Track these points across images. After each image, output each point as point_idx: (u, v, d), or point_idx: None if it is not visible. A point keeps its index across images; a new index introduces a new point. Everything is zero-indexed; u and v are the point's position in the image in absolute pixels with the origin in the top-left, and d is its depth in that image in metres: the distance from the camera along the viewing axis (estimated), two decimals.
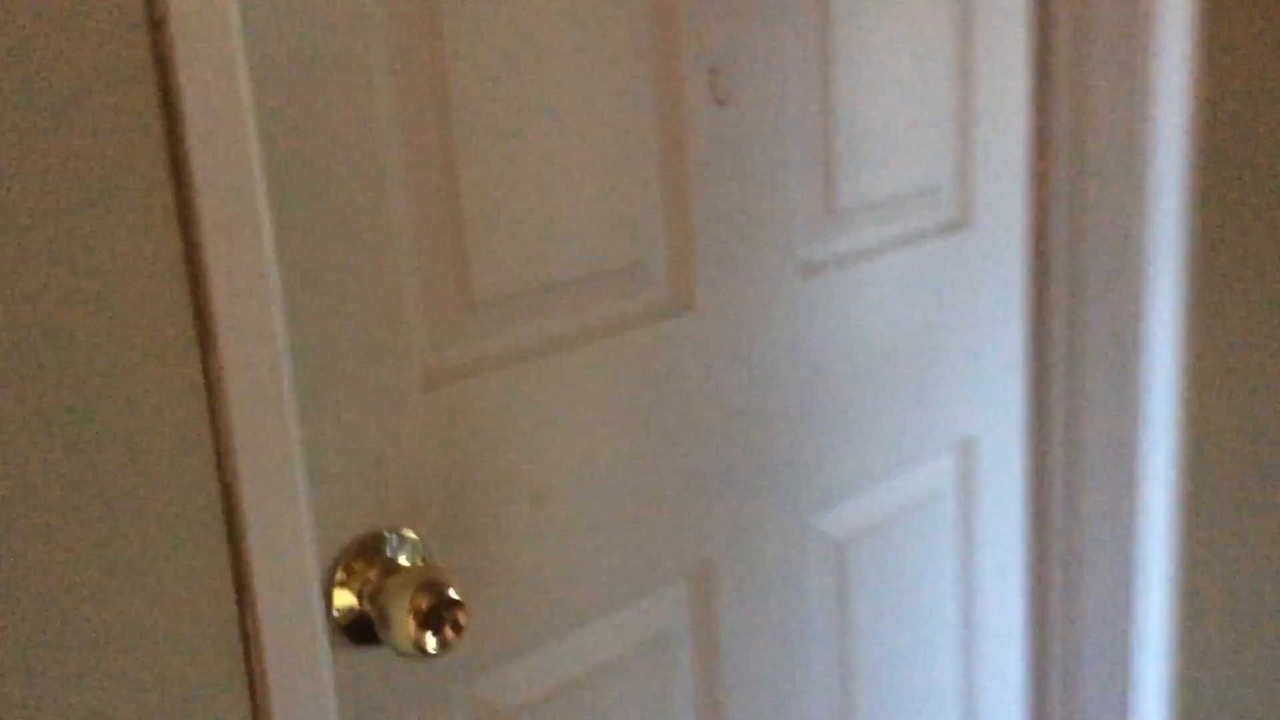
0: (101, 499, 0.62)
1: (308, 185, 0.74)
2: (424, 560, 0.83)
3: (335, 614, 0.79)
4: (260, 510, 0.64)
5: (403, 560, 0.81)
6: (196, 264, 0.60)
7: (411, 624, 0.76)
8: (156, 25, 0.59)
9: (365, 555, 0.80)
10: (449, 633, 0.76)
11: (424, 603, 0.76)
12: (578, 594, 0.94)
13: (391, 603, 0.76)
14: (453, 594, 0.77)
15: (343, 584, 0.79)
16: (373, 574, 0.80)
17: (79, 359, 0.60)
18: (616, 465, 0.94)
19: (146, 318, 0.60)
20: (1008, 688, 1.41)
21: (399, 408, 0.81)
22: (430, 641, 0.76)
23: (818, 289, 1.08)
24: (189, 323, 0.61)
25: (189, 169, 0.58)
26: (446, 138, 0.81)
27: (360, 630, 0.80)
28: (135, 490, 0.63)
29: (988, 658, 1.36)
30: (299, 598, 0.68)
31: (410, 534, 0.82)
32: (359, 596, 0.80)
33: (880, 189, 1.13)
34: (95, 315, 0.59)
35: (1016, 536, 1.38)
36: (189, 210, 0.59)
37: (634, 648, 0.99)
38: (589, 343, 0.91)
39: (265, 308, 0.62)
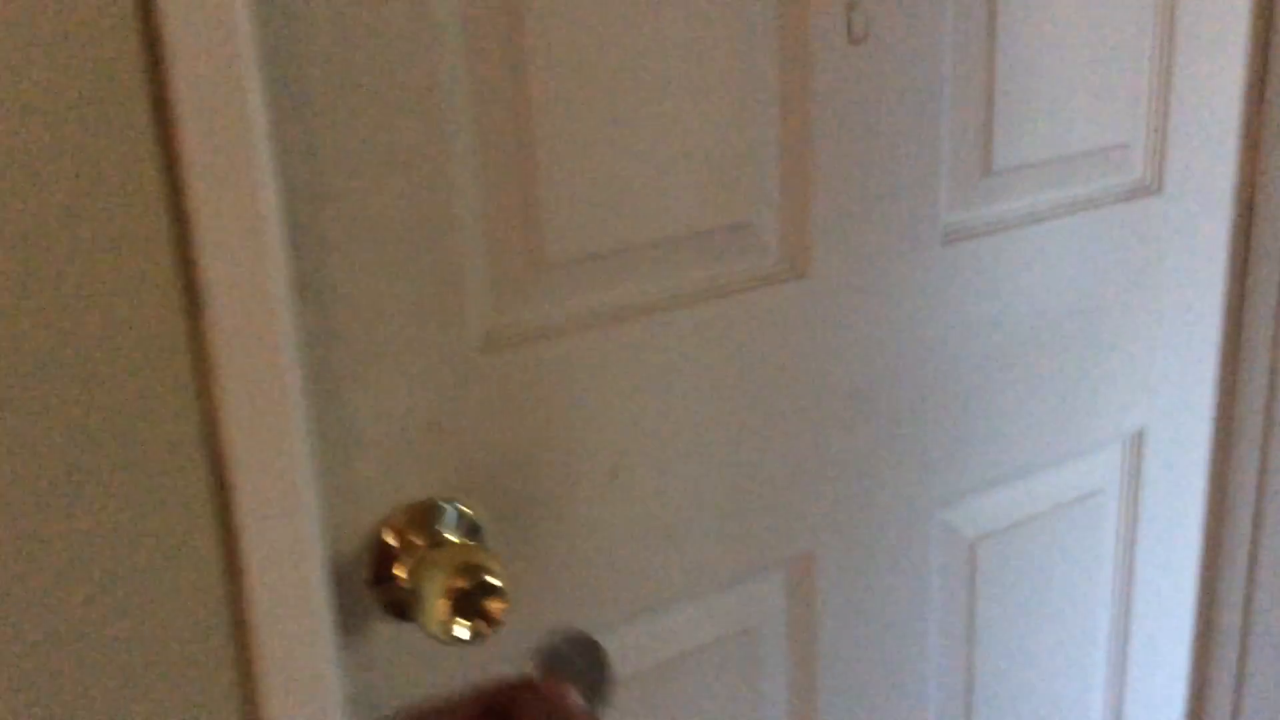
0: (78, 468, 0.58)
1: (358, 129, 0.68)
2: (473, 538, 0.77)
3: (377, 587, 0.75)
4: (255, 489, 0.59)
5: (451, 536, 0.76)
6: (182, 212, 0.54)
7: (444, 607, 0.70)
8: None
9: (415, 526, 0.75)
10: (483, 622, 0.70)
11: (459, 585, 0.70)
12: (653, 579, 0.86)
13: (426, 581, 0.71)
14: (493, 580, 0.71)
15: (388, 554, 0.74)
16: (419, 546, 0.75)
17: (47, 321, 0.55)
18: (707, 443, 0.86)
19: (128, 275, 0.55)
20: (1164, 716, 1.26)
21: (456, 371, 0.74)
22: (461, 629, 0.70)
23: (964, 257, 0.95)
24: (175, 280, 0.56)
25: (174, 110, 0.53)
26: (519, 74, 0.73)
27: (406, 604, 0.75)
28: (114, 463, 0.59)
29: (1143, 678, 1.21)
30: (298, 577, 0.63)
31: (465, 508, 0.76)
32: (402, 570, 0.75)
33: (1052, 146, 0.98)
34: (69, 269, 0.55)
35: (1190, 545, 1.21)
36: (172, 152, 0.54)
37: (716, 641, 0.91)
38: (680, 309, 0.82)
39: (261, 266, 0.56)
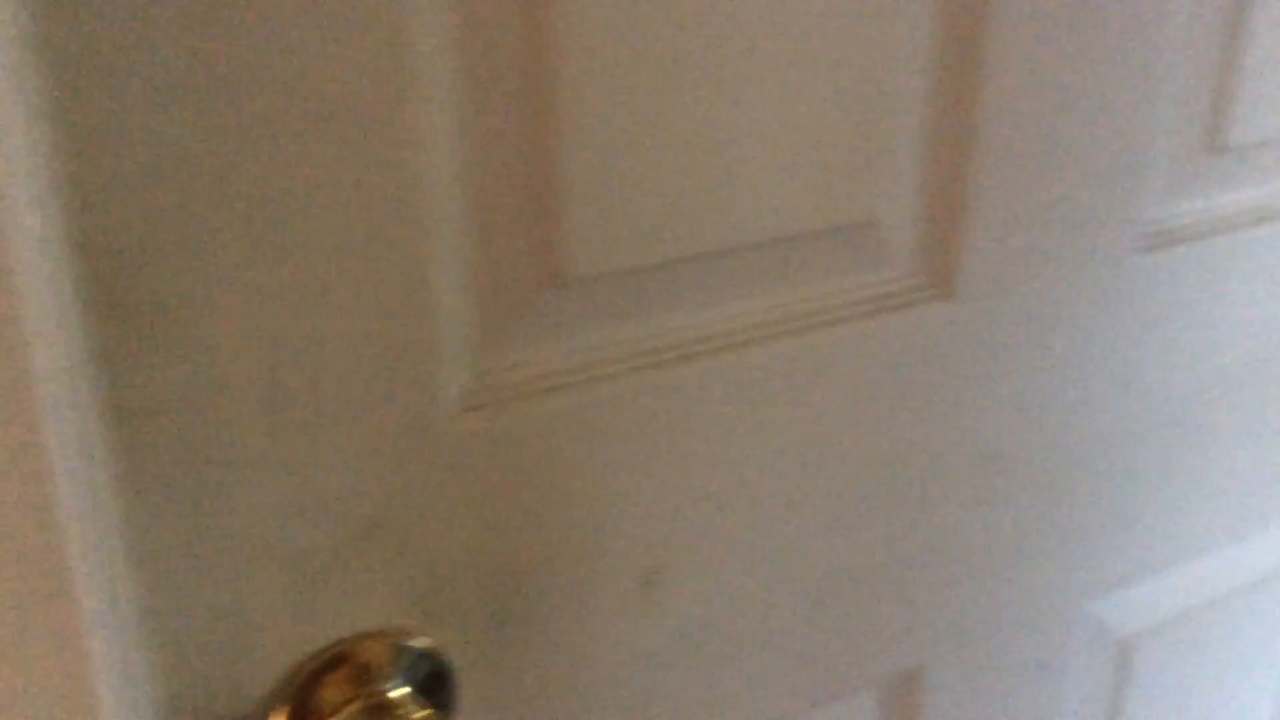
0: None
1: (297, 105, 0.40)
2: (439, 693, 0.51)
3: None
4: None
5: (398, 695, 0.50)
6: None
7: None
8: None
9: (346, 677, 0.49)
10: None
11: None
12: (699, 717, 0.61)
13: None
14: None
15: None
16: (347, 711, 0.49)
17: None
18: (785, 532, 0.59)
19: None
20: None
21: (419, 442, 0.48)
22: None
23: (1172, 268, 0.66)
24: None
25: None
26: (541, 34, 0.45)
27: None
28: None
29: None
30: None
31: (427, 646, 0.51)
32: None
33: None
34: None
35: None
36: None
37: None
38: (761, 342, 0.55)
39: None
